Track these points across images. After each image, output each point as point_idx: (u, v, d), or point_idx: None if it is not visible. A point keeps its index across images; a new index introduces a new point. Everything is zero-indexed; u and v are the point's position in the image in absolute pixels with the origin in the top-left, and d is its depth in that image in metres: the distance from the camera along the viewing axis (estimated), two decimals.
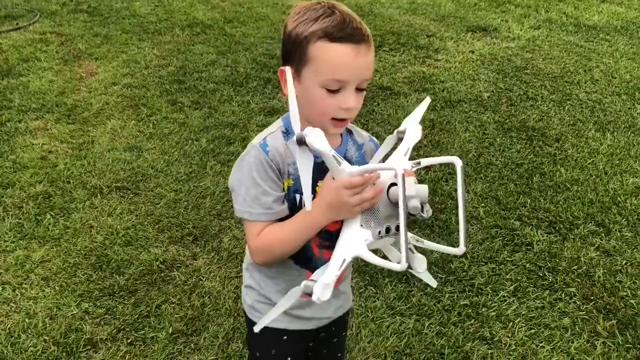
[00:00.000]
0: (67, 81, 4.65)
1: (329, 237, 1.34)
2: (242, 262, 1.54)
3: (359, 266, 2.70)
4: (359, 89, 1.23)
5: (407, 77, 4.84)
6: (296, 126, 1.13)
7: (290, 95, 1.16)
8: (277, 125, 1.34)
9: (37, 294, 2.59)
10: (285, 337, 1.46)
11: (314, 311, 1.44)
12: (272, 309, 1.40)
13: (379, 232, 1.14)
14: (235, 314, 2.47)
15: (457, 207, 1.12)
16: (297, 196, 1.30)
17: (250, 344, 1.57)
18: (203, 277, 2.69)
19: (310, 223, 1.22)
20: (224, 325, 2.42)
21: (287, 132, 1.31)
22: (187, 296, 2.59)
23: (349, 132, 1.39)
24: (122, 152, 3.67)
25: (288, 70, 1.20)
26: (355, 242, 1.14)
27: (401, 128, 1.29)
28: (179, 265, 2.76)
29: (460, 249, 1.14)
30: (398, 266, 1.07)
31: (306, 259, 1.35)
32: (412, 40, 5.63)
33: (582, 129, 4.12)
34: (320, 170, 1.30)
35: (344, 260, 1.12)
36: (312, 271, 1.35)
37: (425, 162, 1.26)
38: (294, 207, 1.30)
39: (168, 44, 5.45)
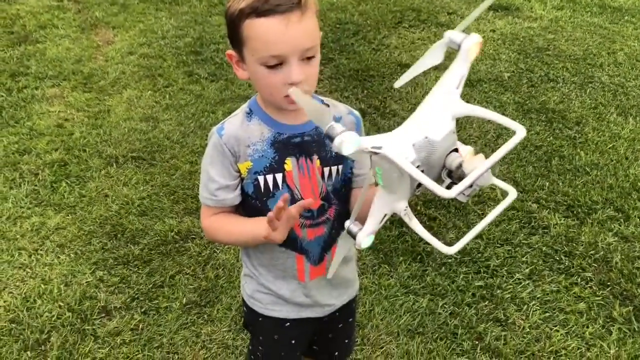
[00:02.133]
0: (84, 49, 4.63)
1: (310, 216, 1.33)
2: None
3: (373, 245, 2.68)
4: (307, 58, 1.14)
5: None
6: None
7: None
8: (242, 107, 1.31)
9: (52, 260, 2.61)
10: (288, 323, 1.46)
11: (314, 299, 1.43)
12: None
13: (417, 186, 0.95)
14: None
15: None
16: (260, 178, 1.27)
17: (251, 329, 1.57)
18: (217, 249, 2.69)
19: (254, 233, 1.24)
20: (237, 298, 2.43)
21: (250, 113, 1.29)
22: (201, 267, 2.59)
23: (325, 106, 1.33)
24: (138, 122, 3.66)
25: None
26: (394, 204, 0.98)
27: (455, 37, 0.96)
28: (193, 236, 2.76)
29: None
30: (446, 249, 0.89)
31: (290, 240, 1.30)
32: (432, 17, 5.53)
33: (604, 112, 4.04)
34: (299, 148, 1.28)
35: (385, 215, 0.98)
36: (299, 252, 1.35)
37: (480, 113, 0.93)
38: (257, 189, 1.28)
39: (185, 15, 5.39)
